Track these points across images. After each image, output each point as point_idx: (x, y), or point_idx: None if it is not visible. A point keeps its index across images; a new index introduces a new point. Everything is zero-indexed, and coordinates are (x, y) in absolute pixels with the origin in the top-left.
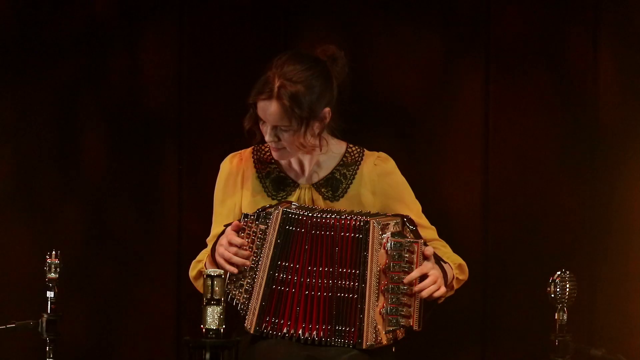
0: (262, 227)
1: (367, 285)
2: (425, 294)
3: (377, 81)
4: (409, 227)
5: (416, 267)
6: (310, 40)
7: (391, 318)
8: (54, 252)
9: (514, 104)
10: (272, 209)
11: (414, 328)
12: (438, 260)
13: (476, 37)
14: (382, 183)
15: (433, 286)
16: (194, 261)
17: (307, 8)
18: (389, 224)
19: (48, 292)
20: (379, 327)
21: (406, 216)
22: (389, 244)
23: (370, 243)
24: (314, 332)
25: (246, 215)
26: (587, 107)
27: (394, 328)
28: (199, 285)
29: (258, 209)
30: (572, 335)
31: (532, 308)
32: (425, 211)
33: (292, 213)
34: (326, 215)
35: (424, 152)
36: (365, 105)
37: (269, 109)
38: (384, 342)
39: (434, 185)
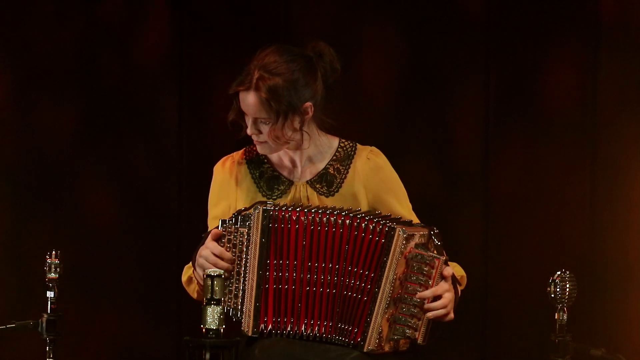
0: (243, 230)
1: (381, 290)
2: (431, 315)
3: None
4: (434, 241)
5: (433, 283)
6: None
7: (398, 327)
8: (54, 252)
9: (514, 103)
10: (251, 209)
11: (419, 341)
12: (454, 282)
13: (475, 34)
14: (374, 177)
15: (442, 310)
16: (186, 266)
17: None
18: (415, 234)
19: (48, 292)
20: (384, 333)
21: (434, 229)
22: (410, 254)
23: (392, 250)
24: (316, 329)
25: (224, 221)
26: (587, 107)
27: (398, 337)
28: (190, 290)
29: (234, 213)
30: (572, 335)
31: (532, 308)
32: (426, 210)
33: (275, 211)
34: (330, 212)
35: (428, 149)
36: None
37: (247, 100)
38: (386, 349)
39: (435, 184)
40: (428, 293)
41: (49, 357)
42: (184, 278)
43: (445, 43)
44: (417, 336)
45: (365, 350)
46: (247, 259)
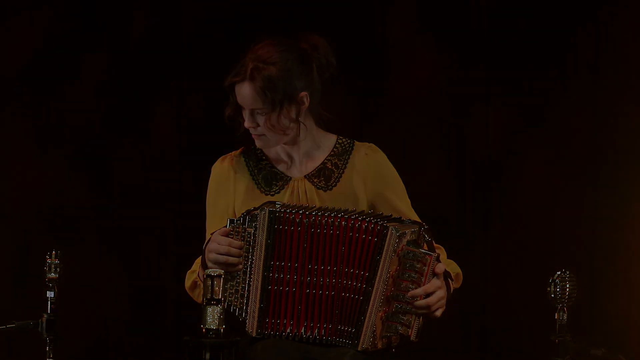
0: (250, 230)
1: (374, 289)
2: (423, 311)
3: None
4: (425, 238)
5: (425, 280)
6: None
7: (390, 324)
8: (53, 252)
9: (514, 103)
10: (258, 210)
11: (411, 338)
12: (446, 277)
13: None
14: (373, 172)
15: (434, 307)
16: (188, 272)
17: None
18: (406, 232)
19: (48, 292)
20: (377, 331)
21: (424, 226)
22: (402, 252)
23: (385, 248)
24: (316, 331)
25: (232, 221)
26: (588, 108)
27: (390, 334)
28: (195, 295)
29: (243, 213)
30: (572, 335)
31: (532, 308)
32: (427, 209)
33: (280, 212)
34: (329, 214)
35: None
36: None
37: (243, 92)
38: (379, 346)
39: (438, 183)
40: (419, 291)
41: (49, 357)
42: (187, 284)
43: (457, 57)
44: (409, 333)
45: (359, 349)
46: (252, 259)
